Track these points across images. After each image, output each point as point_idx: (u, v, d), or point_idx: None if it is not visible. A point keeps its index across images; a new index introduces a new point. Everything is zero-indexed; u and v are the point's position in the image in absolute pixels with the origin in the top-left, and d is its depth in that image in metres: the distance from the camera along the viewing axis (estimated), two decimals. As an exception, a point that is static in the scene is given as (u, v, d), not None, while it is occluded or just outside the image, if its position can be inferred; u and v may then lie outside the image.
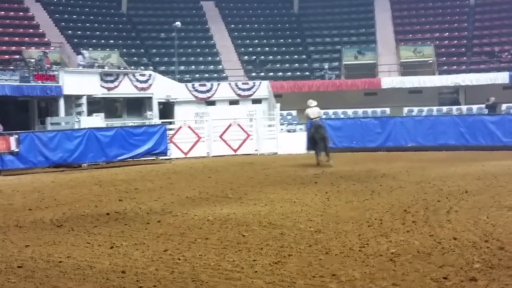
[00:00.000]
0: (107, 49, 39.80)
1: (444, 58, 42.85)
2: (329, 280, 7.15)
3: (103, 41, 42.28)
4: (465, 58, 42.82)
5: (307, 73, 43.49)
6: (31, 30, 40.31)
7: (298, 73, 43.63)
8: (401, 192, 14.33)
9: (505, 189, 14.24)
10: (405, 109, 36.27)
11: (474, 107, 35.49)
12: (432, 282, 6.94)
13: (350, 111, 36.69)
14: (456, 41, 44.39)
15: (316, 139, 22.19)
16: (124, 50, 41.63)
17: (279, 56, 45.18)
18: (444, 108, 36.61)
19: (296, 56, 45.49)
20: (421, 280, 7.01)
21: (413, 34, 45.10)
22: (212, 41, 45.57)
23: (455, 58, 43.01)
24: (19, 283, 7.42)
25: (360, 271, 7.48)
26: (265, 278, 7.32)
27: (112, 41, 42.71)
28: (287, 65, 44.49)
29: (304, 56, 45.44)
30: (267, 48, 45.73)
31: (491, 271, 7.24)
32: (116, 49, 39.90)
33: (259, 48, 45.51)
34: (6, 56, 35.89)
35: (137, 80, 32.55)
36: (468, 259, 7.84)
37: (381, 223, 10.49)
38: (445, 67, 42.03)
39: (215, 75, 42.44)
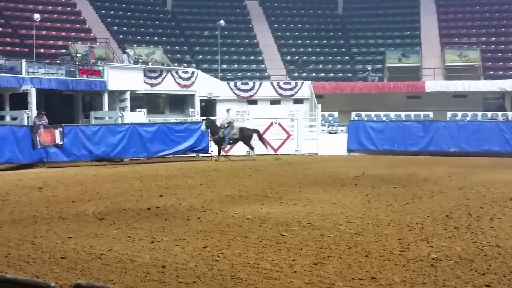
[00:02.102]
0: (152, 46, 40.20)
1: (490, 63, 42.11)
2: (368, 283, 7.11)
3: (147, 37, 42.68)
4: (510, 63, 42.02)
5: (349, 74, 43.22)
6: (77, 25, 40.94)
7: (341, 74, 43.38)
8: (443, 197, 14.16)
9: (551, 197, 13.95)
10: (449, 114, 35.77)
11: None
12: (475, 289, 6.85)
13: (392, 114, 36.37)
14: (503, 46, 43.58)
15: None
16: (168, 47, 41.97)
17: (321, 57, 45.00)
18: (489, 114, 36.01)
19: (338, 57, 45.24)
20: (462, 287, 6.92)
21: (458, 37, 44.42)
22: (255, 40, 45.63)
23: (501, 63, 42.23)
24: (61, 274, 7.54)
25: (400, 275, 7.42)
26: (304, 278, 7.31)
27: (156, 38, 43.08)
28: (329, 66, 44.29)
29: (347, 57, 45.18)
30: (310, 49, 45.58)
31: (535, 281, 7.11)
32: (160, 46, 40.26)
33: (302, 48, 45.39)
34: (53, 51, 36.50)
35: (180, 77, 32.80)
36: (512, 267, 7.71)
37: (422, 228, 10.38)
38: (491, 72, 41.29)
39: (257, 74, 42.49)
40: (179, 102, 33.84)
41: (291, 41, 45.96)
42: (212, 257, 8.36)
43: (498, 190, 15.30)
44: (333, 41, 46.49)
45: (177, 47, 43.96)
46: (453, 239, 9.49)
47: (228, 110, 28.35)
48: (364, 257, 8.33)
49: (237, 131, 26.45)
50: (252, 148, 27.22)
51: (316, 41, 46.23)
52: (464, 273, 7.49)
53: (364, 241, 9.35)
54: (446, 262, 8.00)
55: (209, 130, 27.03)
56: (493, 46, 43.52)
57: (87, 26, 41.00)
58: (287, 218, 11.36)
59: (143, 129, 26.04)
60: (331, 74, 43.16)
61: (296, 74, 42.29)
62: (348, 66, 44.42)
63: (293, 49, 45.30)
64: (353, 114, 36.04)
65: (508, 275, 7.37)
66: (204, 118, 27.59)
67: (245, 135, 26.95)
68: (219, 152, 27.18)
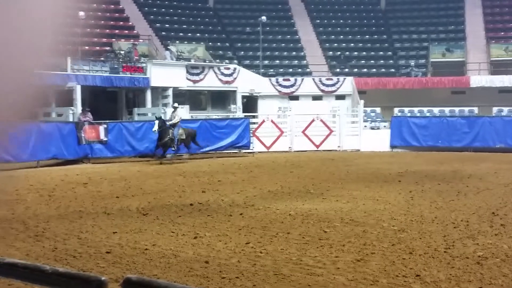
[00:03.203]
0: (194, 43, 40.45)
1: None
2: (413, 281, 7.04)
3: (189, 34, 42.96)
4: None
5: (392, 70, 42.77)
6: (121, 23, 41.43)
7: (383, 69, 42.96)
8: (489, 194, 13.92)
9: None
10: (495, 109, 35.12)
11: None
12: (522, 288, 6.73)
13: (436, 110, 35.88)
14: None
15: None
16: (210, 43, 42.18)
17: (364, 52, 44.65)
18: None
19: (381, 53, 44.83)
20: (509, 285, 6.80)
21: (504, 31, 43.55)
22: (297, 36, 45.51)
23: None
24: (107, 268, 7.65)
25: (445, 272, 7.32)
26: (347, 275, 7.28)
27: (198, 34, 43.34)
28: (372, 61, 43.92)
29: (389, 52, 44.73)
30: (352, 44, 45.26)
31: None
32: (202, 43, 40.49)
33: (344, 44, 45.10)
34: (97, 48, 37.02)
35: (222, 74, 32.92)
36: (561, 266, 7.54)
37: (467, 225, 10.23)
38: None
39: (299, 70, 42.38)
40: (221, 98, 33.98)
41: (333, 36, 45.71)
42: (255, 253, 8.38)
43: (546, 187, 14.97)
44: (376, 36, 46.07)
45: (219, 44, 44.13)
46: (499, 236, 9.33)
47: (175, 108, 24.80)
48: (408, 254, 8.25)
49: (183, 132, 24.39)
50: (189, 149, 25.52)
51: (358, 36, 45.88)
52: (511, 271, 7.36)
53: (408, 238, 9.26)
54: (493, 260, 7.87)
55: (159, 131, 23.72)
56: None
57: (130, 23, 41.46)
58: (329, 215, 11.31)
59: (185, 126, 26.21)
60: (374, 70, 42.80)
61: (338, 70, 42.05)
62: (391, 61, 43.97)
63: (335, 44, 45.05)
64: (396, 109, 35.67)
65: (557, 273, 7.21)
66: (157, 117, 24.05)
67: (189, 135, 24.89)
68: (164, 155, 24.28)
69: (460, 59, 41.67)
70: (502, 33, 43.40)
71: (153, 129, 23.49)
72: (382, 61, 44.07)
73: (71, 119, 25.88)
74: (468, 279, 7.05)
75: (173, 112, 24.58)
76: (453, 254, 8.20)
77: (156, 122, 23.54)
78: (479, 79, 37.43)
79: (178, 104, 30.19)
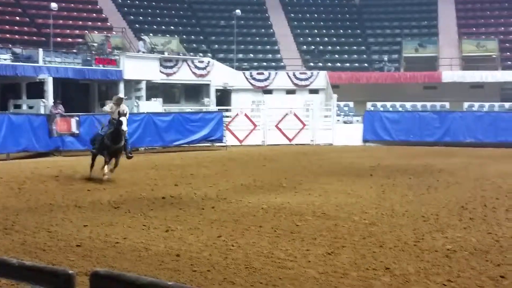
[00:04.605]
0: (167, 35, 40.22)
1: (508, 53, 41.71)
2: (382, 273, 7.11)
3: (163, 27, 42.69)
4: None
5: (365, 64, 43.00)
6: (94, 15, 41.06)
7: (357, 64, 43.18)
8: (459, 188, 14.10)
9: None
10: (466, 104, 35.52)
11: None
12: (489, 280, 6.82)
13: (408, 105, 36.18)
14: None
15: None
16: (184, 36, 41.98)
17: (338, 47, 44.80)
18: (506, 104, 35.71)
19: (355, 47, 45.03)
20: (477, 278, 6.89)
21: (476, 27, 44.04)
22: (271, 30, 45.51)
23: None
24: (77, 262, 7.61)
25: (415, 265, 7.40)
26: (318, 268, 7.32)
27: (172, 27, 43.10)
28: (345, 56, 44.09)
29: (363, 47, 44.95)
30: (326, 38, 45.38)
31: (551, 273, 7.07)
32: (176, 36, 40.27)
33: (318, 38, 45.19)
34: (70, 40, 36.63)
35: (196, 67, 32.81)
36: (528, 259, 7.66)
37: (437, 219, 10.35)
38: (509, 62, 40.91)
39: (273, 64, 42.39)
40: (195, 92, 33.87)
41: (307, 31, 45.77)
42: (227, 246, 8.39)
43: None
44: (350, 31, 46.25)
45: (193, 37, 43.96)
46: (468, 230, 9.45)
47: (120, 100, 16.89)
48: (378, 248, 8.32)
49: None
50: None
51: (333, 31, 46.02)
52: (479, 264, 7.47)
53: (379, 232, 9.34)
54: (461, 253, 7.97)
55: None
56: (511, 36, 43.07)
57: (103, 15, 41.11)
58: (302, 208, 11.36)
59: (158, 119, 26.11)
60: (347, 64, 42.96)
61: (312, 64, 42.14)
62: (364, 56, 44.19)
63: (309, 39, 45.13)
64: (369, 104, 35.88)
65: (523, 266, 7.33)
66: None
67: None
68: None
69: (433, 54, 42.03)
70: (474, 29, 43.88)
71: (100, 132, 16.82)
72: (355, 56, 44.27)
73: (42, 112, 25.60)
74: (436, 272, 7.13)
75: (117, 104, 16.41)
76: (423, 248, 8.29)
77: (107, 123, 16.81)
78: (450, 74, 37.82)
79: (152, 98, 30.10)
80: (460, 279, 6.86)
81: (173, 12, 45.40)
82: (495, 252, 8.02)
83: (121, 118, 15.68)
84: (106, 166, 15.78)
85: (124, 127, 15.81)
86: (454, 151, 24.91)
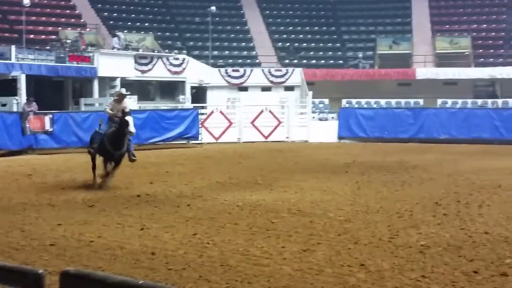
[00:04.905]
0: (142, 32, 40.00)
1: (481, 50, 42.14)
2: (357, 270, 7.15)
3: (138, 24, 42.42)
4: (502, 50, 42.07)
5: (340, 61, 43.16)
6: (67, 11, 40.63)
7: (332, 61, 43.32)
8: (433, 184, 14.23)
9: (539, 185, 14.05)
10: (439, 101, 35.83)
11: (510, 101, 34.92)
12: (462, 275, 6.90)
13: (383, 101, 36.39)
14: (493, 33, 43.61)
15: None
16: (159, 33, 41.76)
17: (313, 44, 44.89)
18: (479, 101, 36.10)
19: (330, 44, 45.16)
20: (450, 273, 6.97)
21: (450, 25, 44.41)
22: (247, 27, 45.48)
23: (492, 50, 42.28)
24: (51, 261, 7.54)
25: (389, 262, 7.46)
26: (293, 265, 7.34)
27: (147, 24, 42.84)
28: (321, 53, 44.22)
29: (338, 44, 45.10)
30: (302, 35, 45.45)
31: (523, 267, 7.16)
32: (151, 32, 40.07)
33: (293, 35, 45.27)
34: (43, 36, 36.22)
35: (171, 64, 32.69)
36: (500, 254, 7.77)
37: (411, 215, 10.43)
38: (482, 59, 41.37)
39: (249, 61, 42.37)
40: (170, 89, 33.74)
41: (282, 27, 45.82)
42: (202, 244, 8.37)
43: (487, 177, 15.37)
44: (325, 28, 46.38)
45: (168, 34, 43.75)
46: (442, 226, 9.54)
47: (121, 96, 15.18)
48: (354, 244, 8.37)
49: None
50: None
51: (308, 28, 46.10)
52: (452, 259, 7.54)
53: (354, 228, 9.39)
54: (435, 249, 8.05)
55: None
56: (484, 34, 43.53)
57: (77, 12, 40.72)
58: (277, 205, 11.37)
59: (133, 116, 25.92)
60: (322, 61, 43.10)
61: (287, 61, 42.20)
62: (339, 53, 44.35)
63: (285, 36, 45.18)
64: (344, 101, 36.03)
65: (496, 261, 7.42)
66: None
67: None
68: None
69: (407, 51, 42.32)
70: (447, 26, 44.25)
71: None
72: (330, 53, 44.41)
73: (15, 109, 25.30)
74: (411, 268, 7.19)
75: (118, 101, 14.70)
76: (397, 244, 8.35)
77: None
78: (424, 71, 38.09)
79: (128, 94, 29.78)
80: (434, 275, 6.92)
81: (147, 8, 45.14)
82: (468, 248, 8.11)
83: (126, 118, 13.68)
84: (106, 176, 13.86)
85: (132, 128, 13.72)
86: (428, 148, 25.12)
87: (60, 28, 36.61)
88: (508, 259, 7.49)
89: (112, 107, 14.47)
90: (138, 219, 10.11)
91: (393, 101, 36.38)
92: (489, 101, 35.89)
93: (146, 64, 31.94)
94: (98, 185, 13.83)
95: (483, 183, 14.27)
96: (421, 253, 7.88)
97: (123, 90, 15.01)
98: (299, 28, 46.02)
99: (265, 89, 34.74)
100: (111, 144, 13.79)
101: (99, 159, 14.40)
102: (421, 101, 36.11)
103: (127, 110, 14.22)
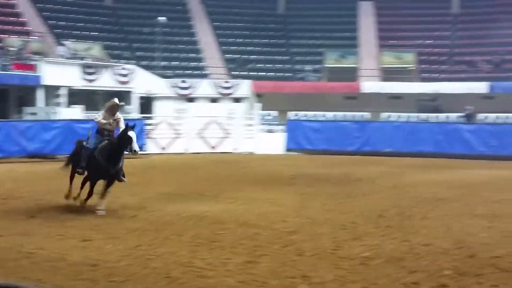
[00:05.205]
0: (90, 41, 39.52)
1: (425, 66, 43.12)
2: (300, 281, 7.19)
3: (85, 32, 41.90)
4: (446, 66, 43.13)
5: (289, 74, 43.54)
6: (12, 19, 39.87)
7: (280, 74, 43.68)
8: (377, 197, 14.42)
9: (478, 198, 14.41)
10: (384, 115, 36.44)
11: (452, 115, 35.77)
12: (403, 286, 7.01)
13: (330, 114, 36.79)
14: (437, 49, 44.69)
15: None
16: (107, 43, 41.34)
17: (262, 56, 45.19)
18: (423, 115, 36.85)
19: (279, 57, 45.53)
20: (391, 285, 7.07)
21: (395, 40, 45.33)
22: (196, 38, 45.45)
23: (436, 66, 43.31)
24: (-11, 273, 7.35)
25: (332, 273, 7.52)
26: (237, 277, 7.34)
27: (95, 33, 42.37)
28: (269, 65, 44.51)
29: (287, 57, 45.51)
30: (251, 48, 45.71)
31: (461, 278, 7.33)
32: (98, 42, 39.62)
33: (242, 47, 45.47)
34: (-14, 44, 35.48)
35: (118, 74, 32.38)
36: (440, 265, 7.92)
37: (355, 227, 10.56)
38: (426, 74, 42.31)
39: (197, 72, 42.33)
40: (117, 99, 33.36)
41: (232, 39, 45.96)
42: (146, 256, 8.29)
43: (429, 190, 15.66)
44: (274, 40, 46.75)
45: (116, 43, 43.36)
46: (384, 238, 9.68)
47: (114, 107, 12.96)
48: (298, 256, 8.41)
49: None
50: None
51: (257, 40, 46.39)
52: (393, 271, 7.65)
53: (299, 240, 9.44)
54: (377, 261, 8.16)
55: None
56: (428, 49, 44.55)
57: (22, 19, 39.99)
58: (223, 217, 11.35)
59: (79, 126, 25.56)
60: (271, 74, 43.39)
61: (236, 73, 42.32)
62: (288, 65, 44.74)
63: (234, 47, 45.33)
64: (292, 113, 36.29)
65: (437, 272, 7.57)
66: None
67: None
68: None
69: (353, 65, 42.98)
70: (393, 41, 45.13)
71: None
72: (279, 65, 44.76)
73: (-44, 117, 24.66)
74: (353, 280, 7.27)
75: (111, 113, 12.82)
76: (340, 255, 8.44)
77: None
78: (370, 85, 38.74)
79: (73, 104, 29.35)
80: (376, 286, 7.02)
81: (95, 17, 44.66)
82: (410, 259, 8.25)
83: (129, 133, 11.78)
84: (100, 198, 11.90)
85: (136, 146, 11.89)
86: (373, 160, 25.45)
87: (4, 35, 35.87)
88: (447, 270, 7.65)
89: (104, 117, 12.62)
90: (81, 230, 9.95)
91: (340, 114, 36.81)
92: (432, 115, 36.68)
93: (93, 74, 31.56)
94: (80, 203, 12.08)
95: (425, 195, 14.54)
96: (364, 264, 7.98)
97: (116, 100, 13.03)
98: (248, 40, 46.25)
99: (213, 100, 34.74)
100: (107, 158, 11.91)
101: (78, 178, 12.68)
102: (367, 115, 36.66)
103: (121, 123, 12.39)
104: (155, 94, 33.42)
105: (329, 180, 17.87)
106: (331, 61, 43.15)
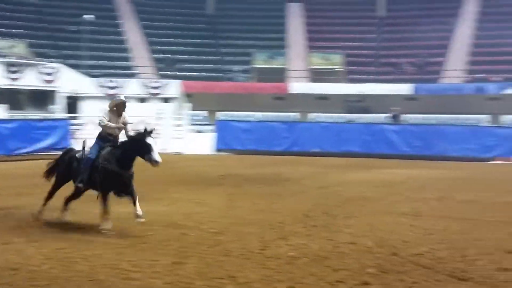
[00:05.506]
0: (14, 39, 38.45)
1: (352, 67, 43.92)
2: (228, 282, 7.19)
3: (9, 30, 40.77)
4: (372, 68, 44.07)
5: (218, 74, 43.56)
6: None
7: (210, 74, 43.63)
8: (304, 197, 14.60)
9: (401, 196, 14.81)
10: (312, 115, 36.92)
11: (378, 116, 36.57)
12: (327, 285, 7.11)
13: (259, 114, 37.01)
14: (365, 51, 45.59)
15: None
16: (32, 41, 40.32)
17: (191, 56, 45.03)
18: (350, 116, 37.54)
19: (209, 57, 45.49)
20: (316, 283, 7.16)
21: (323, 41, 45.98)
22: (124, 37, 44.87)
23: (362, 67, 44.19)
24: None
25: (258, 273, 7.56)
26: (164, 278, 7.28)
27: (19, 30, 41.27)
28: (199, 65, 44.41)
29: (216, 57, 45.50)
30: (180, 48, 45.48)
31: (384, 276, 7.50)
32: (23, 40, 38.60)
33: (172, 47, 45.19)
34: None
35: (43, 73, 31.65)
36: (363, 263, 8.07)
37: (282, 227, 10.64)
38: (353, 76, 43.11)
39: (125, 71, 41.81)
40: (42, 98, 32.65)
41: (161, 39, 45.60)
42: (70, 259, 8.12)
43: (354, 189, 15.97)
44: (203, 40, 46.65)
45: (41, 42, 42.32)
46: (310, 237, 9.80)
47: (121, 105, 11.18)
48: (225, 256, 8.42)
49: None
50: None
51: (186, 40, 46.19)
52: (319, 270, 7.75)
53: (226, 240, 9.45)
54: (303, 260, 8.25)
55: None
56: (355, 51, 45.37)
57: None
58: (150, 218, 11.20)
59: (1, 125, 24.84)
60: (201, 74, 43.29)
61: (165, 72, 42.02)
62: (218, 66, 44.74)
63: (163, 47, 44.99)
64: (221, 113, 36.32)
65: (360, 270, 7.71)
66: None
67: None
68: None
69: (282, 66, 43.37)
70: (321, 42, 45.76)
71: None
72: (209, 65, 44.71)
73: None
74: (279, 279, 7.32)
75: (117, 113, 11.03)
76: (267, 255, 8.49)
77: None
78: (298, 86, 39.18)
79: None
80: (301, 285, 7.09)
81: (20, 15, 43.48)
82: (335, 258, 8.38)
83: (149, 140, 10.34)
84: (104, 214, 10.18)
85: (157, 156, 10.35)
86: (301, 161, 25.75)
87: None
88: (370, 268, 7.81)
89: (110, 119, 10.77)
90: (1, 233, 9.65)
91: (269, 115, 37.08)
92: (359, 116, 37.41)
93: (17, 72, 30.74)
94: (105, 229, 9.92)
95: (351, 195, 14.81)
96: (290, 264, 8.05)
97: (123, 97, 11.31)
98: (178, 40, 46.02)
99: (141, 100, 34.39)
100: (119, 162, 10.27)
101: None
102: (295, 115, 37.07)
103: (128, 125, 10.87)
104: (82, 93, 32.83)
105: (258, 180, 17.97)
106: (260, 61, 43.44)
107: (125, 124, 10.84)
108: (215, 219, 11.25)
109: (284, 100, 39.18)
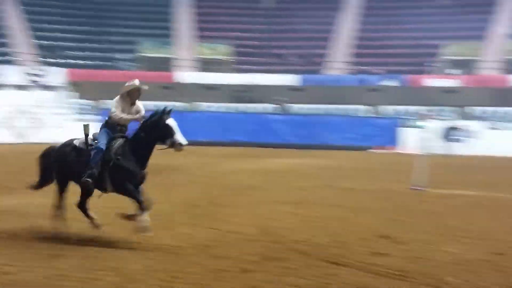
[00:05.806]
0: None
1: (240, 58, 44.22)
2: (109, 274, 7.09)
3: None
4: (259, 58, 44.53)
5: (104, 62, 42.60)
6: None
7: (96, 62, 42.58)
8: (191, 186, 14.65)
9: (284, 185, 15.15)
10: (201, 105, 36.93)
11: (265, 106, 37.10)
12: (210, 273, 7.17)
13: (148, 104, 36.51)
14: (252, 42, 45.99)
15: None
16: None
17: (77, 44, 43.77)
18: (237, 106, 37.85)
19: (94, 45, 44.37)
20: (200, 272, 7.20)
21: (212, 32, 45.99)
22: (2, 22, 42.91)
23: (250, 58, 44.56)
24: None
25: (141, 264, 7.51)
26: (41, 272, 7.08)
27: None
28: (85, 53, 43.24)
29: (102, 45, 44.47)
30: (65, 34, 44.08)
31: (266, 263, 7.65)
32: None
33: (56, 33, 43.70)
34: None
35: None
36: (247, 252, 8.20)
37: (168, 217, 10.61)
38: (241, 66, 43.42)
39: (4, 58, 40.00)
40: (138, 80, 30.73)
41: (43, 25, 43.97)
42: None
43: (239, 178, 16.20)
44: (89, 27, 45.45)
45: None
46: (196, 226, 9.85)
47: (136, 90, 9.62)
48: (107, 248, 8.30)
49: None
50: None
51: (71, 26, 44.84)
52: (203, 259, 7.81)
53: (110, 231, 9.30)
54: (187, 250, 8.27)
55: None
56: (243, 42, 45.70)
57: None
58: (31, 210, 10.90)
59: None
60: (86, 62, 42.19)
61: (49, 60, 40.60)
62: (103, 54, 43.75)
63: (46, 33, 43.42)
64: (107, 102, 35.59)
65: (243, 258, 7.81)
66: None
67: None
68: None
69: (169, 55, 43.06)
70: (209, 32, 45.75)
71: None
72: (95, 53, 43.65)
73: None
74: (163, 269, 7.30)
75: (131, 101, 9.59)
76: (150, 245, 8.44)
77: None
78: (186, 75, 39.06)
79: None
80: (185, 274, 7.10)
81: None
82: (219, 247, 8.46)
83: (168, 121, 9.14)
84: (138, 215, 8.71)
85: (181, 138, 9.15)
86: (189, 150, 25.53)
87: None
88: (253, 256, 7.94)
89: (122, 109, 9.27)
90: None
91: (158, 104, 36.64)
92: (246, 106, 37.80)
93: None
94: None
95: (236, 184, 15.00)
96: (174, 254, 8.05)
97: (137, 81, 9.47)
98: (62, 26, 44.57)
99: (22, 88, 33.09)
100: (136, 157, 9.06)
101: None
102: (184, 105, 36.93)
103: (142, 113, 9.36)
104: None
105: (147, 170, 17.71)
106: (147, 50, 42.95)
107: (138, 113, 9.28)
108: (99, 209, 11.01)
109: (172, 90, 38.91)
